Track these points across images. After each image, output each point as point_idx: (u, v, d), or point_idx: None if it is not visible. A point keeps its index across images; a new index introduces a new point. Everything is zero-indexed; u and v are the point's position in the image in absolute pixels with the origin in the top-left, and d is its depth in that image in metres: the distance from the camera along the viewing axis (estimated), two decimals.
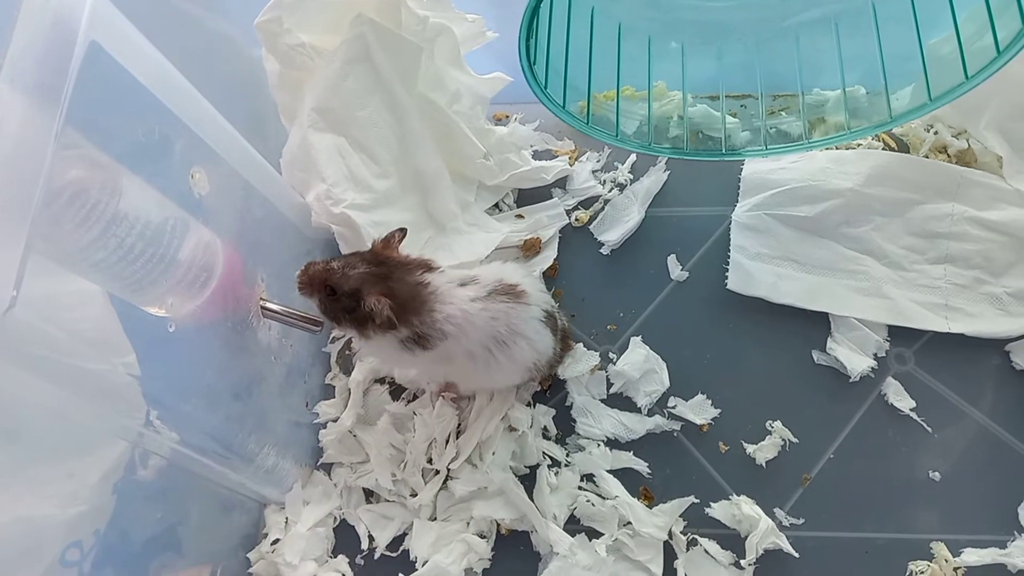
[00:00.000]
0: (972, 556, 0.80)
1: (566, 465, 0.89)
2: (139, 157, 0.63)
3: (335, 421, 0.93)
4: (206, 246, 0.71)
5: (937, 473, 0.86)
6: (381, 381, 0.96)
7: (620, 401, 0.93)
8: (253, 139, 0.81)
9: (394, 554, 0.87)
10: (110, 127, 0.61)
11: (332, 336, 1.00)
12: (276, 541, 0.86)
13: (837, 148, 1.04)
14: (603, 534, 0.85)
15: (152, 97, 0.64)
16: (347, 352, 0.99)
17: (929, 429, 0.88)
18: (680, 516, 0.86)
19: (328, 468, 0.93)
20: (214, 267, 0.72)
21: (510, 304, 0.78)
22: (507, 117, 1.13)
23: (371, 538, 0.88)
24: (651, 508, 0.86)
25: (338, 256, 0.79)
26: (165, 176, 0.67)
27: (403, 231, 0.80)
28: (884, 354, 0.92)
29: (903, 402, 0.89)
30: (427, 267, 0.78)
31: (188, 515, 0.76)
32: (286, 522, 0.88)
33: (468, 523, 0.87)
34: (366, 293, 0.74)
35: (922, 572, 0.81)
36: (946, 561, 0.81)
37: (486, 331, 0.78)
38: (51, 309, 0.57)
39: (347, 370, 0.97)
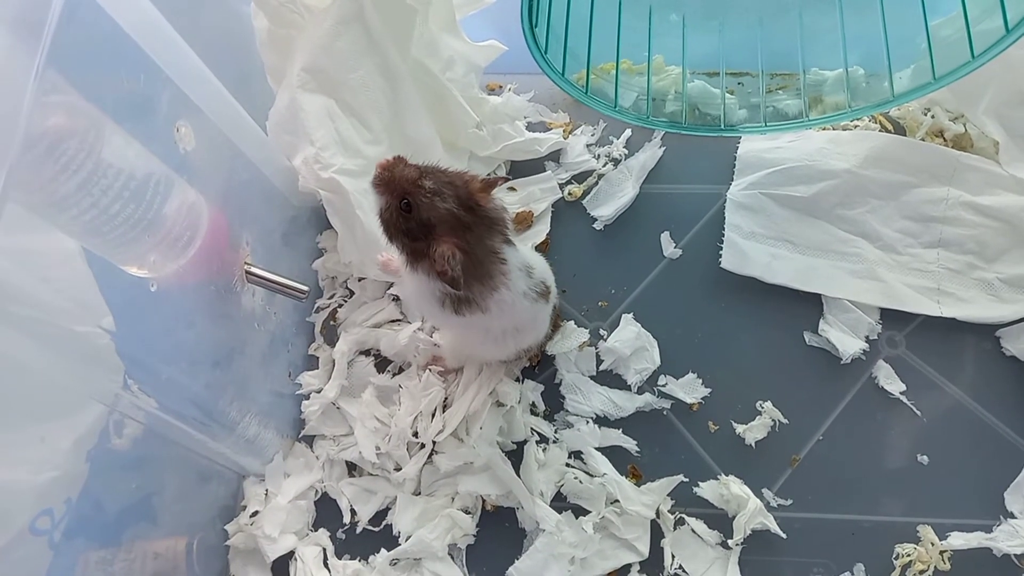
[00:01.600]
0: (958, 540, 0.81)
1: (554, 441, 0.88)
2: (122, 107, 0.60)
3: (318, 392, 0.91)
4: (191, 205, 0.68)
5: (925, 457, 0.85)
6: (366, 353, 0.94)
7: (610, 378, 0.92)
8: (240, 100, 0.78)
9: (376, 528, 0.85)
10: (93, 74, 0.58)
11: (317, 306, 0.97)
12: (255, 513, 0.84)
13: (834, 129, 1.03)
14: (590, 511, 0.84)
15: (137, 47, 0.61)
16: (332, 323, 0.97)
17: (918, 413, 0.88)
18: (668, 495, 0.85)
19: (310, 440, 0.91)
20: (198, 227, 0.69)
21: (540, 304, 0.78)
22: (501, 87, 1.10)
23: (353, 512, 0.86)
24: (639, 486, 0.85)
25: (430, 168, 0.70)
26: (149, 129, 0.64)
27: (507, 178, 0.76)
28: (876, 337, 0.92)
29: (893, 385, 0.89)
30: (506, 237, 0.72)
31: (164, 485, 0.74)
32: (266, 494, 0.85)
33: (453, 498, 0.85)
34: (442, 236, 0.67)
35: (908, 555, 0.81)
36: (932, 544, 0.81)
37: (516, 319, 0.77)
38: (28, 264, 0.55)
39: (331, 341, 0.94)
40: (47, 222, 0.56)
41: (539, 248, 0.99)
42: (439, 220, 0.68)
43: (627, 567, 0.82)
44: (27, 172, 0.51)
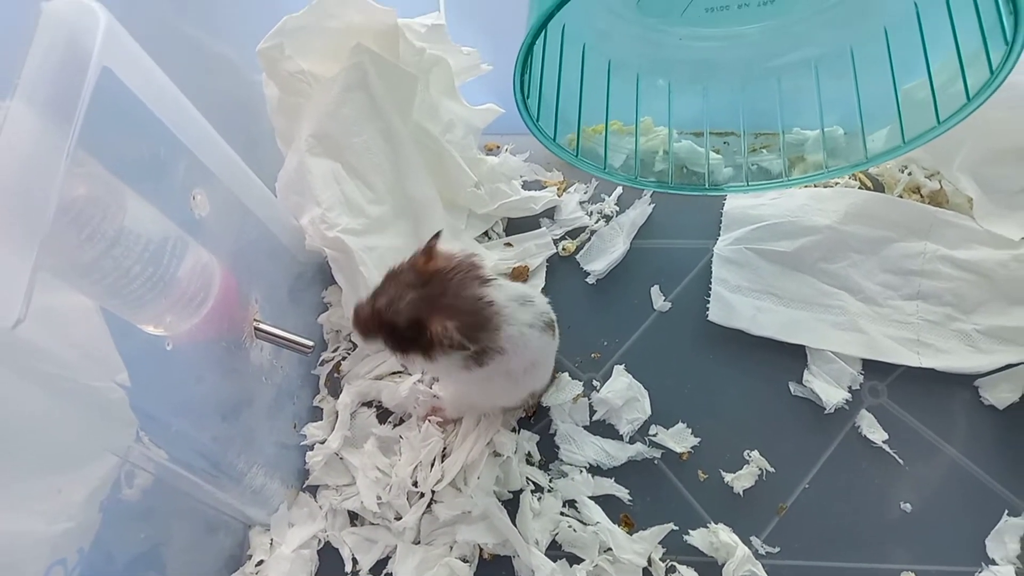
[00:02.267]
0: None
1: (549, 491, 0.91)
2: (143, 177, 0.65)
3: (322, 443, 0.94)
4: (204, 266, 0.72)
5: (908, 505, 0.88)
6: (368, 404, 0.97)
7: (602, 428, 0.95)
8: (249, 162, 0.83)
9: None
10: (117, 147, 0.62)
11: (321, 359, 1.01)
12: (261, 562, 0.86)
13: (816, 186, 1.08)
14: (584, 559, 0.86)
15: (157, 120, 0.66)
16: (336, 375, 1.00)
17: (901, 461, 0.90)
18: (659, 543, 0.87)
19: (314, 490, 0.93)
20: (211, 287, 0.73)
21: (548, 336, 0.82)
22: (498, 147, 1.15)
23: (355, 561, 0.88)
24: (631, 534, 0.87)
25: (379, 288, 0.75)
26: (167, 196, 0.68)
27: (437, 234, 0.76)
28: (858, 387, 0.95)
29: (876, 434, 0.92)
30: (482, 279, 0.74)
31: (172, 535, 0.76)
32: (271, 543, 0.88)
33: (451, 547, 0.88)
34: (428, 321, 0.70)
35: None
36: None
37: (531, 353, 0.79)
38: (48, 321, 0.58)
39: (335, 393, 0.98)
40: (70, 285, 0.59)
41: None
42: (417, 311, 0.71)
43: None
44: (54, 240, 0.54)
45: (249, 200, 0.84)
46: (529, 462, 0.93)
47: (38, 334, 0.55)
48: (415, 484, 0.90)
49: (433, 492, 0.89)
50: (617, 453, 0.93)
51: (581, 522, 0.89)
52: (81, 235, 0.58)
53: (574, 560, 0.87)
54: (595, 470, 0.92)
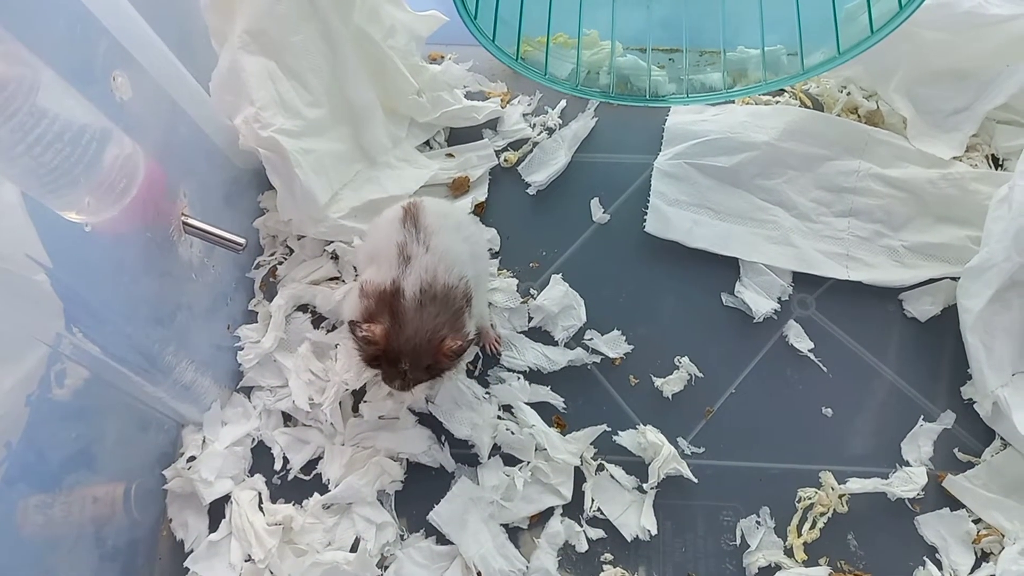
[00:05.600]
0: (856, 484, 0.86)
1: (485, 397, 0.92)
2: (58, 55, 0.62)
3: (256, 343, 0.93)
4: (127, 154, 0.71)
5: (829, 410, 0.91)
6: (303, 309, 0.97)
7: (539, 335, 0.96)
8: (182, 61, 0.81)
9: (307, 477, 0.88)
10: (28, 20, 0.60)
11: (257, 262, 1.00)
12: (192, 458, 0.86)
13: (756, 103, 1.08)
14: (521, 461, 0.89)
15: (76, 1, 0.64)
16: (271, 279, 1.00)
17: (824, 369, 0.94)
18: (591, 443, 0.89)
19: (248, 392, 0.94)
20: (134, 175, 0.71)
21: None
22: (441, 58, 1.14)
23: (286, 460, 0.89)
24: (564, 435, 0.90)
25: (369, 360, 0.78)
26: (85, 77, 0.66)
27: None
28: (787, 298, 0.97)
29: (802, 343, 0.95)
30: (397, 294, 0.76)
31: (104, 434, 0.76)
32: (203, 441, 0.88)
33: (379, 450, 0.89)
34: (438, 349, 0.75)
35: (810, 498, 0.87)
36: (832, 489, 0.86)
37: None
38: None
39: (271, 297, 0.97)
40: None
41: (475, 212, 1.03)
42: (415, 352, 0.76)
43: (550, 510, 0.86)
44: None
45: (178, 94, 0.81)
46: (469, 374, 0.94)
47: None
48: (347, 387, 0.91)
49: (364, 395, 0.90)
50: (557, 358, 0.94)
51: (517, 424, 0.90)
52: None
53: (509, 461, 0.89)
54: (532, 376, 0.94)
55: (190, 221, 0.80)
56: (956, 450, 0.89)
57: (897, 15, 0.81)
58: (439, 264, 0.77)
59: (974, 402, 0.90)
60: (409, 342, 0.75)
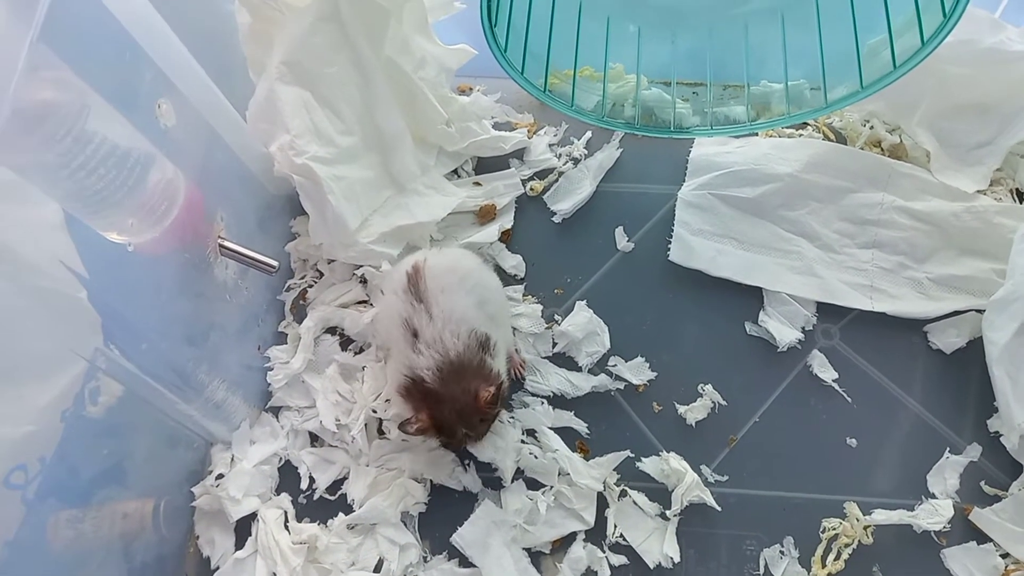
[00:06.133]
0: (881, 516, 0.86)
1: (509, 421, 0.93)
2: (106, 81, 0.65)
3: (285, 364, 0.95)
4: (169, 178, 0.73)
5: (854, 440, 0.91)
6: (332, 332, 0.99)
7: (563, 360, 0.97)
8: (221, 90, 0.84)
9: (333, 497, 0.89)
10: (79, 47, 0.63)
11: (287, 285, 1.02)
12: (221, 476, 0.88)
13: (780, 136, 1.10)
14: (544, 485, 0.89)
15: (122, 28, 0.67)
16: (301, 302, 1.02)
17: (849, 399, 0.93)
18: (614, 469, 0.90)
19: (276, 412, 0.95)
20: (175, 198, 0.74)
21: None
22: (470, 89, 1.17)
23: (312, 479, 0.90)
24: (587, 460, 0.90)
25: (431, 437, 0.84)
26: (131, 103, 0.69)
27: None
28: (811, 328, 0.98)
29: (826, 373, 0.95)
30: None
31: (135, 450, 0.78)
32: (232, 459, 0.90)
33: (404, 471, 0.90)
34: (477, 404, 0.79)
35: (835, 529, 0.86)
36: (857, 520, 0.86)
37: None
38: (18, 227, 0.59)
39: (301, 319, 0.99)
40: (32, 184, 0.60)
41: (501, 239, 1.05)
42: (459, 416, 0.81)
43: (573, 535, 0.86)
44: (16, 137, 0.55)
45: (217, 122, 0.84)
46: None
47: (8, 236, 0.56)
48: (374, 412, 0.92)
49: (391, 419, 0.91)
50: (580, 383, 0.95)
51: (541, 448, 0.91)
52: (43, 134, 0.59)
53: (533, 485, 0.89)
54: (553, 401, 0.94)
55: (226, 244, 0.83)
56: (983, 483, 0.88)
57: (919, 51, 0.83)
58: (444, 332, 0.81)
59: (1000, 435, 0.90)
60: (453, 413, 0.80)
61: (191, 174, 0.78)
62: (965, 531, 0.85)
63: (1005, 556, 0.84)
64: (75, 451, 0.68)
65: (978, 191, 1.02)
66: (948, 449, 0.90)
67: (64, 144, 0.60)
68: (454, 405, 0.80)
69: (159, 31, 0.72)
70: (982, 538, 0.85)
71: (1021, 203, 1.03)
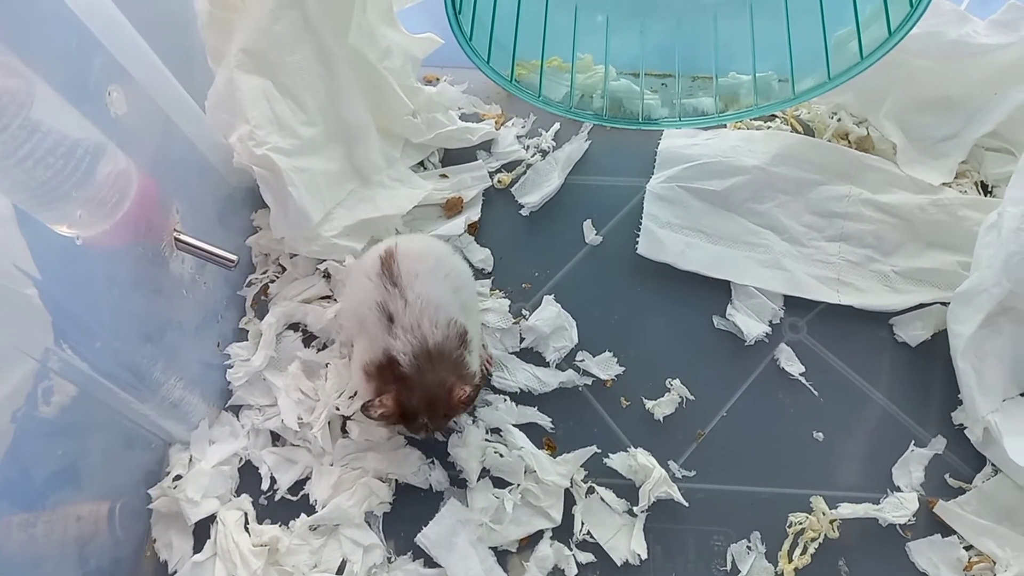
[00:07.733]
0: (847, 509, 0.86)
1: (472, 422, 0.91)
2: (53, 68, 0.63)
3: (246, 361, 0.93)
4: (120, 169, 0.71)
5: (820, 434, 0.91)
6: (294, 328, 0.97)
7: (530, 356, 0.96)
8: (180, 80, 0.81)
9: (295, 498, 0.88)
10: (22, 31, 0.60)
11: (248, 280, 1.00)
12: (179, 477, 0.85)
13: (748, 128, 1.09)
14: (511, 483, 0.88)
15: (71, 12, 0.64)
16: (263, 297, 0.99)
17: (816, 393, 0.93)
18: (581, 465, 0.89)
19: (236, 410, 0.93)
20: (127, 190, 0.71)
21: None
22: (437, 79, 1.15)
23: (273, 479, 0.88)
24: (554, 457, 0.89)
25: (389, 423, 0.81)
26: (81, 91, 0.66)
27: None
28: (779, 322, 0.98)
29: (793, 367, 0.95)
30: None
31: (90, 451, 0.75)
32: (190, 460, 0.87)
33: (368, 470, 0.88)
34: (450, 399, 0.78)
35: (801, 523, 0.86)
36: (823, 514, 0.86)
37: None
38: None
39: (261, 315, 0.97)
40: None
41: (469, 231, 1.03)
42: (429, 403, 0.79)
43: (540, 533, 0.85)
44: None
45: (172, 110, 0.82)
46: None
47: None
48: (337, 409, 0.90)
49: (354, 418, 0.89)
50: (548, 379, 0.94)
51: (506, 446, 0.89)
52: None
53: (499, 483, 0.88)
54: (519, 397, 0.93)
55: (182, 237, 0.80)
56: (947, 476, 0.88)
57: (886, 42, 0.83)
58: (422, 318, 0.78)
59: (965, 428, 0.90)
60: (421, 401, 0.78)
61: (145, 165, 0.75)
62: (930, 524, 0.86)
63: (969, 548, 0.84)
64: (27, 452, 0.66)
65: (944, 184, 1.02)
66: (913, 442, 0.90)
67: (7, 133, 0.58)
68: (424, 395, 0.77)
69: (110, 15, 0.69)
70: (947, 531, 0.85)
71: (986, 196, 1.04)
